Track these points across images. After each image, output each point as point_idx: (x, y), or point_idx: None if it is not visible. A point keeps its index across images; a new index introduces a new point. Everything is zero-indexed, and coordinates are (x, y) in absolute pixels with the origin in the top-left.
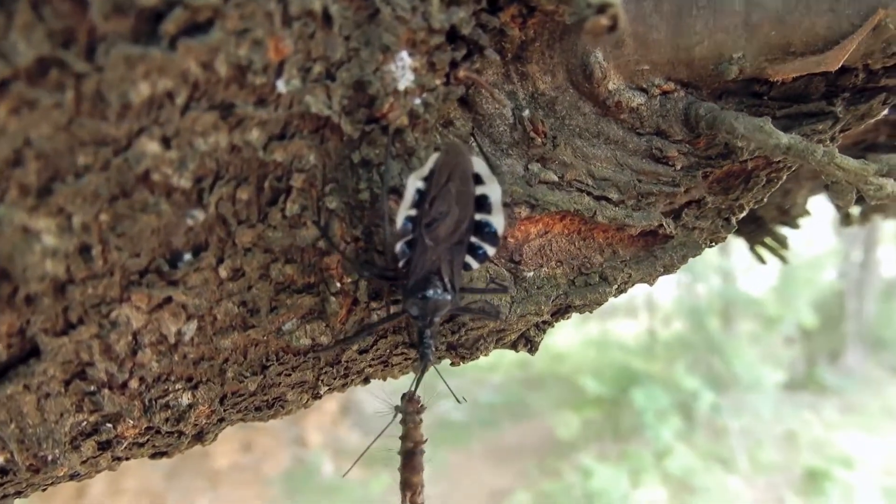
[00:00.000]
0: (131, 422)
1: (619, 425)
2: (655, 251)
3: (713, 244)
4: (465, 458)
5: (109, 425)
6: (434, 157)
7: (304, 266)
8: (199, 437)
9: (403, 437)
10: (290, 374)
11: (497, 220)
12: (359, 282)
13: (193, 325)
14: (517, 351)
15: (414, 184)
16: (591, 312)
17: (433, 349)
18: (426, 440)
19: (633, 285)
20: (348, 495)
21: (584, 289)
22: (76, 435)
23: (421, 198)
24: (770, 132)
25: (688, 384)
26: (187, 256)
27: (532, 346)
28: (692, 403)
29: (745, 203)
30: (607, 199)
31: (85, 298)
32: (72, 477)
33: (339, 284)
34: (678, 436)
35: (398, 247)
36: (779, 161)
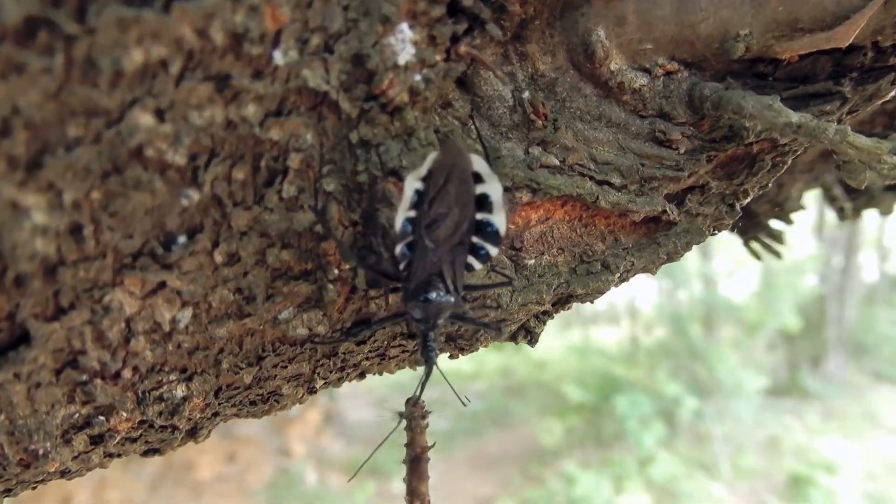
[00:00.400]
0: (124, 414)
1: (601, 432)
2: (658, 238)
3: (717, 231)
4: (449, 466)
5: (102, 418)
6: (432, 156)
7: (301, 252)
8: (193, 434)
9: (409, 444)
10: (286, 366)
11: (499, 220)
12: (357, 269)
13: (188, 312)
14: (517, 342)
15: (412, 185)
16: (591, 302)
17: (437, 352)
18: (432, 446)
19: (635, 274)
20: None
21: (586, 277)
22: (68, 428)
23: (420, 199)
24: (779, 110)
25: (670, 391)
26: (182, 239)
27: (532, 338)
28: (675, 410)
29: (750, 188)
30: (609, 184)
31: (77, 282)
32: (62, 474)
33: (336, 271)
34: (661, 442)
35: (398, 249)
36: (784, 144)
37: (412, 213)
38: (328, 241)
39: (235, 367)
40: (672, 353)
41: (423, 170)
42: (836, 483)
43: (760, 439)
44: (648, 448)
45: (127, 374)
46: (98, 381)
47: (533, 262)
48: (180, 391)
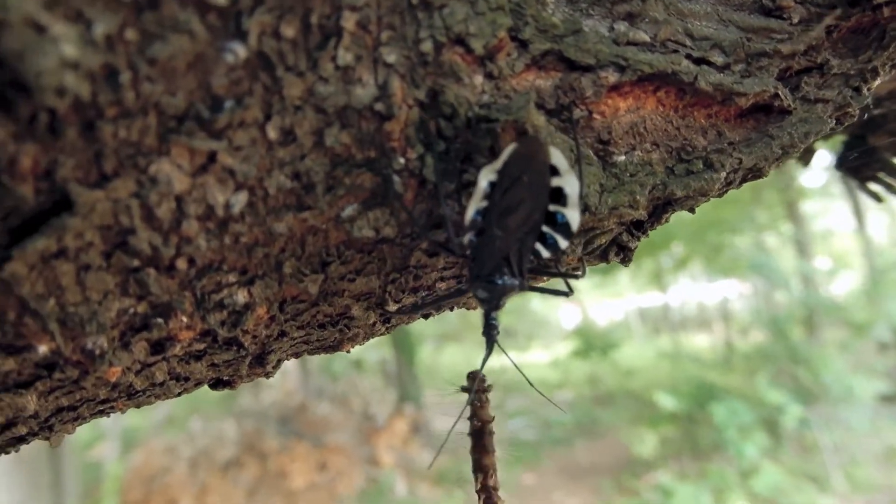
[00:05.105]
0: (184, 319)
1: (698, 442)
2: (770, 130)
3: (840, 122)
4: (538, 477)
5: (160, 320)
6: (509, 149)
7: (363, 135)
8: (261, 361)
9: (472, 417)
10: (354, 279)
11: (572, 215)
12: (425, 156)
13: (243, 196)
14: (608, 262)
15: (486, 177)
16: (691, 211)
17: (498, 331)
18: (494, 418)
19: (744, 176)
20: None
21: (686, 177)
22: (125, 329)
23: (492, 189)
24: None
25: (771, 398)
26: (229, 104)
27: (626, 255)
28: (777, 418)
29: (880, 66)
30: (709, 63)
31: (119, 144)
32: (130, 396)
33: (402, 160)
34: (764, 452)
35: (466, 238)
36: None
37: (484, 204)
38: (392, 121)
39: (299, 273)
40: (771, 357)
41: (499, 163)
42: None
43: (877, 449)
44: (750, 459)
45: (181, 265)
46: (151, 270)
47: (623, 158)
48: (241, 297)
